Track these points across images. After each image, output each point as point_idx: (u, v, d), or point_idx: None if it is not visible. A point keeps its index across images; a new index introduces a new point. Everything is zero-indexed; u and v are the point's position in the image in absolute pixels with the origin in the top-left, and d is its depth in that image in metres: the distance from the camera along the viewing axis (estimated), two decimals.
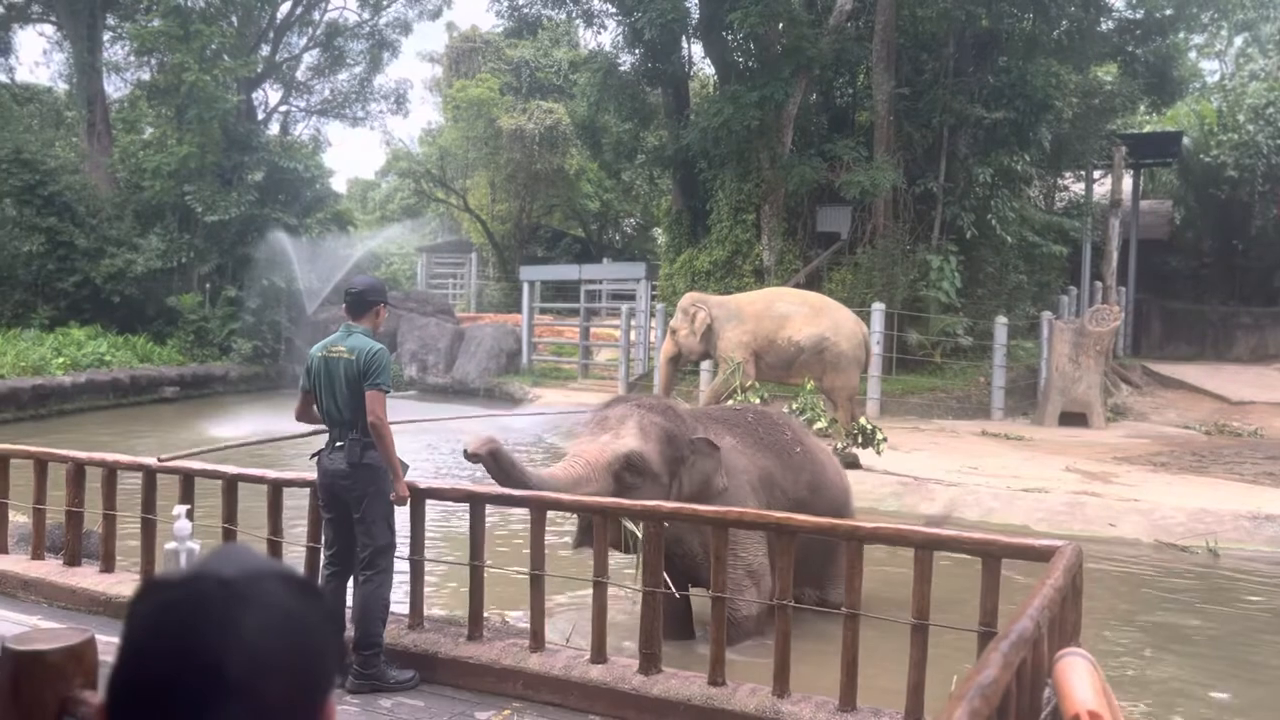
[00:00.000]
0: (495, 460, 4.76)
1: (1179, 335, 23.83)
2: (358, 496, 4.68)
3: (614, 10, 20.55)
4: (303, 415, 4.96)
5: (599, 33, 24.39)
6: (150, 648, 0.86)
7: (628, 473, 5.07)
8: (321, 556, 4.88)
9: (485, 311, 27.37)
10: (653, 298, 19.28)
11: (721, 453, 5.34)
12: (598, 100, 21.44)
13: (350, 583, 4.77)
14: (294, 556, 5.33)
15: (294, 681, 0.87)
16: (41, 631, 1.58)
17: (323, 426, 4.90)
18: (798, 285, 15.81)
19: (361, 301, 4.78)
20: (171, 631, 0.86)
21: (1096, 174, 22.62)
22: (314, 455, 4.90)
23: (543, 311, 22.50)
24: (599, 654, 4.53)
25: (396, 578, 4.92)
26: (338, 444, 4.68)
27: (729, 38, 18.78)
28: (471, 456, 4.74)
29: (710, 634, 4.35)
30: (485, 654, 4.66)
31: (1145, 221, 24.43)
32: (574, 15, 23.58)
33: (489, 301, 29.65)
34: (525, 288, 21.24)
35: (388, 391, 4.69)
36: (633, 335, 18.54)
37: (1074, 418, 14.69)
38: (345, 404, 4.64)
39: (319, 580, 4.69)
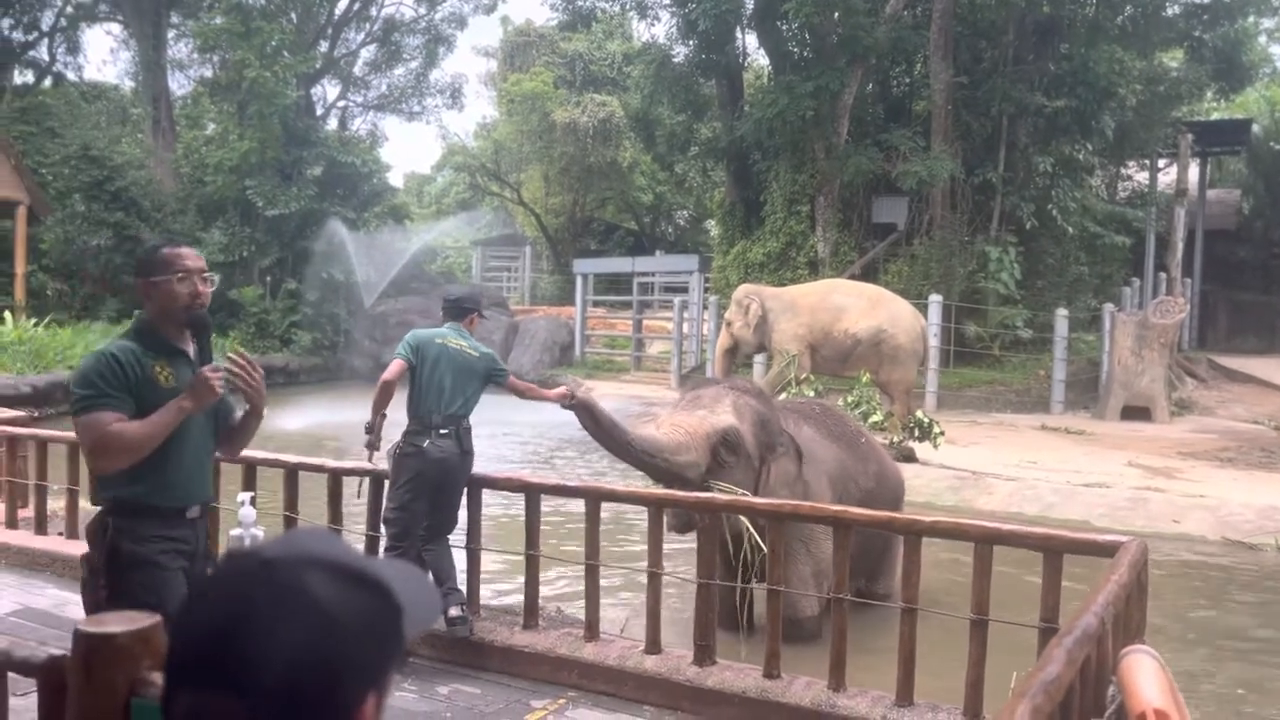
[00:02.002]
0: (591, 416, 4.80)
1: (1247, 328, 23.21)
2: (461, 477, 4.94)
3: (668, 2, 20.50)
4: (390, 388, 4.88)
5: (653, 25, 24.42)
6: (188, 624, 0.86)
7: (724, 448, 5.02)
8: (387, 544, 4.90)
9: (539, 304, 27.47)
10: (705, 290, 19.21)
11: (802, 444, 5.30)
12: (651, 92, 21.42)
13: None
14: (354, 544, 5.38)
15: (314, 674, 0.82)
16: (111, 615, 1.62)
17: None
18: (853, 277, 15.65)
19: (458, 308, 5.13)
20: (205, 610, 0.86)
21: (1161, 163, 22.07)
22: (360, 437, 5.01)
23: (596, 304, 22.53)
24: (653, 645, 4.53)
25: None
26: (443, 431, 4.83)
27: (784, 28, 18.63)
28: (568, 406, 4.85)
29: (767, 627, 4.33)
30: (540, 643, 4.69)
31: (1212, 211, 23.80)
32: (628, 7, 23.58)
33: (543, 294, 29.75)
34: (578, 281, 21.30)
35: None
36: (685, 328, 18.50)
37: (1137, 412, 14.37)
38: (469, 396, 4.93)
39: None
